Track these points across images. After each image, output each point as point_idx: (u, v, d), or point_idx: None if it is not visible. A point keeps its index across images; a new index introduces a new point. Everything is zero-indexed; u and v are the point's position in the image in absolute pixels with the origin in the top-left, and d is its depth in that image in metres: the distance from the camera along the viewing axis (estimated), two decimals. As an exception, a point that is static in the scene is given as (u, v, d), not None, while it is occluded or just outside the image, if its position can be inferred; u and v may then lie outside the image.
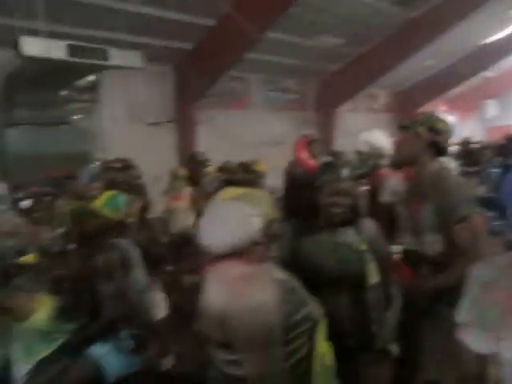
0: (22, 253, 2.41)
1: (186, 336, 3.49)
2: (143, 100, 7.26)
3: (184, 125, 7.89)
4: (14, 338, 2.29)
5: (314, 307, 1.42)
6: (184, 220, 4.38)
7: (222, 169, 4.15)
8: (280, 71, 9.00)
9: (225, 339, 1.36)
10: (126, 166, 4.12)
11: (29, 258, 2.37)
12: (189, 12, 6.16)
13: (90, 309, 2.19)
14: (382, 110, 11.69)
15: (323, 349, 1.43)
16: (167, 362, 3.08)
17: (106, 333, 2.18)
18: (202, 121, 7.97)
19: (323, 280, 1.47)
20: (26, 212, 3.25)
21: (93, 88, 6.45)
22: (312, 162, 2.11)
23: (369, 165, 3.17)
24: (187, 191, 4.35)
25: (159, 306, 2.59)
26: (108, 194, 2.46)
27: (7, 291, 2.25)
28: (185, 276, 4.62)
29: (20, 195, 3.51)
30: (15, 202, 3.36)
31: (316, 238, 2.00)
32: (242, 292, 1.32)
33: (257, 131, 8.63)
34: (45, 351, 2.17)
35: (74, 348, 2.13)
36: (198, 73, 7.30)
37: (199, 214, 3.90)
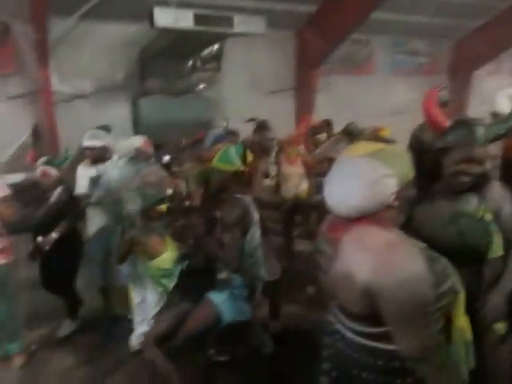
0: (162, 201, 2.73)
1: (296, 301, 3.57)
2: (264, 68, 7.23)
3: (303, 92, 7.71)
4: (144, 272, 2.86)
5: (455, 278, 1.29)
6: (297, 185, 4.32)
7: (346, 132, 3.89)
8: (409, 32, 8.21)
9: (366, 311, 1.22)
10: (261, 125, 4.18)
11: (164, 207, 2.73)
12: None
13: (206, 258, 2.40)
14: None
15: (463, 323, 1.31)
16: (277, 325, 3.14)
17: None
18: (322, 88, 7.69)
19: (437, 251, 1.27)
20: (165, 166, 3.64)
21: (216, 57, 6.58)
22: (443, 119, 1.77)
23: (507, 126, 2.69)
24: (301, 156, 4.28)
25: (270, 268, 2.65)
26: (220, 148, 2.52)
27: (145, 232, 2.72)
28: (296, 242, 4.62)
29: (160, 153, 3.91)
30: (157, 157, 3.76)
31: (434, 205, 1.81)
32: (391, 261, 1.17)
33: (381, 98, 8.05)
34: (168, 285, 2.69)
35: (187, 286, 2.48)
36: (319, 37, 7.01)
37: (318, 176, 3.83)
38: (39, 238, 3.10)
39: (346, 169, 1.29)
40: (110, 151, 3.61)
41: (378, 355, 1.26)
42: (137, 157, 3.38)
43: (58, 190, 3.21)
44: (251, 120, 4.48)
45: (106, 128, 3.86)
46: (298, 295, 3.74)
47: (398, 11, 7.16)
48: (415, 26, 7.94)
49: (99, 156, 3.56)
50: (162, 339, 2.35)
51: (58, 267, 3.26)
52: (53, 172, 3.33)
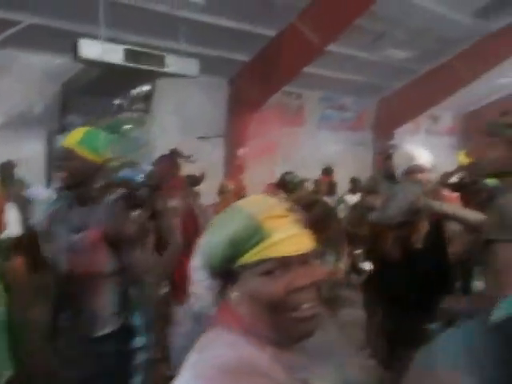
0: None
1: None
2: (196, 112, 7.02)
3: (235, 139, 7.58)
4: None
5: None
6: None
7: (282, 182, 3.67)
8: (338, 88, 8.55)
9: None
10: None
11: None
12: (250, 21, 5.86)
13: None
14: (445, 132, 10.92)
15: None
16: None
17: None
18: (253, 136, 7.63)
19: None
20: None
21: (146, 98, 6.27)
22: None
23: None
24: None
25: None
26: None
27: None
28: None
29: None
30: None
31: None
32: None
33: (309, 150, 8.17)
34: None
35: None
36: (252, 87, 7.00)
37: None
38: None
39: None
40: None
41: None
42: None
43: None
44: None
45: (10, 164, 3.33)
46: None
47: (328, 68, 7.42)
48: (343, 83, 8.28)
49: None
50: None
51: None
52: None
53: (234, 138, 7.51)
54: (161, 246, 2.49)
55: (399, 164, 3.52)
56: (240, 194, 4.33)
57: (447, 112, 10.78)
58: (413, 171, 3.22)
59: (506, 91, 10.02)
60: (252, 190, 6.42)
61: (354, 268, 4.59)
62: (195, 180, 4.18)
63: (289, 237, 0.77)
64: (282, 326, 0.77)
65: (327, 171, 6.55)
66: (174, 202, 3.29)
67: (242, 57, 6.78)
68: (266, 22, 5.94)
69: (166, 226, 2.65)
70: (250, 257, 0.77)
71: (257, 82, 6.89)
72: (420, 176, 3.25)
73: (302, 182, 3.67)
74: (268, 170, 6.51)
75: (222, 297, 0.82)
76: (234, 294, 0.79)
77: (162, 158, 3.48)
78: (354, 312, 4.16)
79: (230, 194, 4.16)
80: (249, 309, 0.78)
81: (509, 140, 1.60)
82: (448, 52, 7.88)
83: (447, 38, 7.41)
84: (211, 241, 0.81)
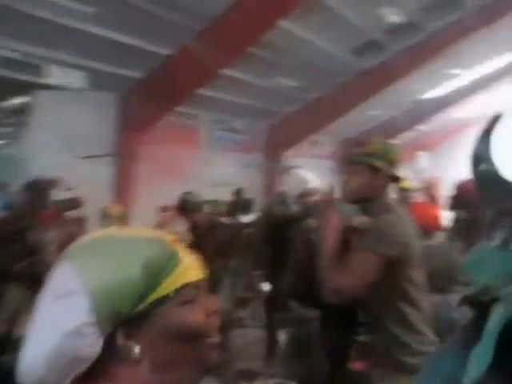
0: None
1: None
2: (81, 129, 6.48)
3: (125, 159, 7.18)
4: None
5: None
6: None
7: (182, 203, 3.51)
8: (231, 110, 8.70)
9: None
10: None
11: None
12: (144, 38, 5.65)
13: None
14: (326, 157, 11.77)
15: None
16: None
17: None
18: (144, 157, 7.32)
19: None
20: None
21: (23, 110, 5.62)
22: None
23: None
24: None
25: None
26: None
27: None
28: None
29: None
30: None
31: None
32: None
33: (203, 171, 8.13)
34: None
35: None
36: (145, 105, 6.74)
37: None
38: None
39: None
40: None
41: None
42: None
43: None
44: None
45: None
46: None
47: (222, 91, 7.51)
48: (237, 107, 8.46)
49: None
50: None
51: None
52: None
53: (124, 157, 7.11)
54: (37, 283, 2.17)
55: (293, 187, 3.67)
56: (126, 218, 4.06)
57: (328, 138, 11.66)
58: (306, 194, 3.40)
59: (376, 122, 11.26)
60: (144, 213, 6.12)
61: (253, 288, 4.60)
62: (73, 204, 3.79)
63: (193, 259, 0.72)
64: (198, 357, 0.68)
65: (238, 192, 6.60)
66: (52, 234, 2.92)
67: (134, 73, 6.50)
68: (160, 40, 5.79)
69: (44, 262, 2.36)
70: (168, 286, 0.65)
71: (149, 100, 6.65)
72: (313, 199, 3.43)
73: (204, 202, 3.57)
74: (162, 191, 6.27)
75: (115, 361, 0.64)
76: (135, 351, 0.63)
77: (29, 185, 3.13)
78: (253, 332, 4.11)
79: (115, 219, 3.87)
80: (154, 363, 0.64)
81: (369, 167, 1.74)
82: (330, 83, 8.56)
83: (329, 71, 8.05)
84: (103, 283, 0.63)
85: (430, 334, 1.69)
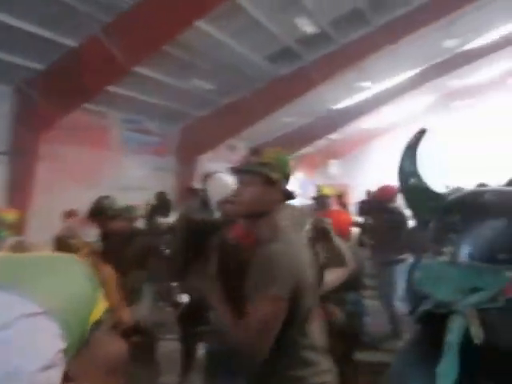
0: None
1: None
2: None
3: (22, 159, 6.46)
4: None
5: None
6: None
7: (95, 210, 3.17)
8: (143, 111, 8.31)
9: None
10: None
11: None
12: (46, 26, 5.13)
13: None
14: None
15: None
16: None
17: None
18: (45, 157, 6.67)
19: None
20: None
21: None
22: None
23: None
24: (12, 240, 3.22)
25: None
26: None
27: None
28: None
29: None
30: None
31: None
32: None
33: (112, 174, 7.64)
34: None
35: None
36: (46, 99, 6.12)
37: None
38: None
39: None
40: None
41: None
42: None
43: None
44: None
45: None
46: None
47: (133, 89, 7.12)
48: (149, 107, 8.10)
49: None
50: None
51: None
52: None
53: (21, 156, 6.38)
54: None
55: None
56: (21, 226, 3.61)
57: (245, 143, 11.69)
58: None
59: (290, 129, 11.55)
60: (43, 220, 5.56)
61: (170, 300, 4.37)
62: None
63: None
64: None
65: (159, 196, 6.20)
66: None
67: (34, 65, 5.89)
68: (66, 30, 5.31)
69: None
70: (98, 312, 0.57)
71: (51, 94, 6.05)
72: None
73: (122, 208, 3.24)
74: (65, 196, 5.74)
75: None
76: None
77: None
78: (169, 344, 3.87)
79: (8, 227, 3.43)
80: None
81: (264, 178, 1.59)
82: (245, 88, 8.57)
83: (245, 76, 8.06)
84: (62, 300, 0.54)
85: (325, 363, 1.59)
